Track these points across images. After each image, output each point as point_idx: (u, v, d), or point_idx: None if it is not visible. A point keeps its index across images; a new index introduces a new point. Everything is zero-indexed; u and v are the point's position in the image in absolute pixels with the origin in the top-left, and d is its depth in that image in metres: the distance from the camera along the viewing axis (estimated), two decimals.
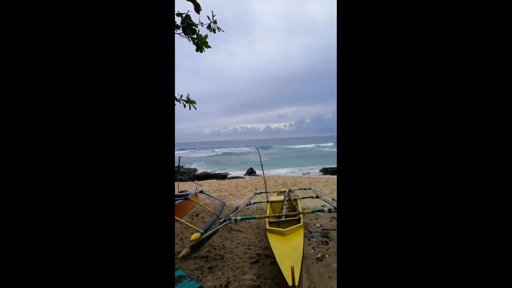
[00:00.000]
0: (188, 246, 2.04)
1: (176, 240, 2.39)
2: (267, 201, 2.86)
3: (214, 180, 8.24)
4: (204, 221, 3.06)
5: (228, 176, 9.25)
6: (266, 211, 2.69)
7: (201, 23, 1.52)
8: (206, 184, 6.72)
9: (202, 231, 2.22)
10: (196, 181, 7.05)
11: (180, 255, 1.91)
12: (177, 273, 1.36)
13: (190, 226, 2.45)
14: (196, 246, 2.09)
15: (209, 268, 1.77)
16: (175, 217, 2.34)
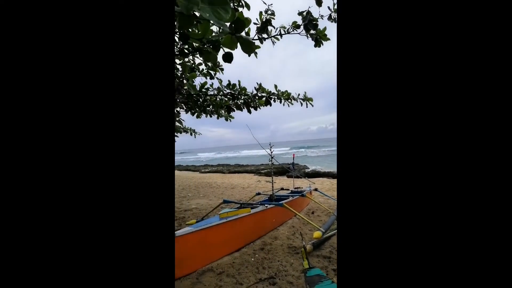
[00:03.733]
0: (310, 243, 2.06)
1: (297, 234, 2.48)
2: None
3: (325, 179, 7.98)
4: (321, 220, 3.01)
5: None
6: None
7: (321, 16, 1.48)
8: (318, 182, 6.62)
9: (323, 230, 2.18)
10: (307, 178, 7.10)
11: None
12: (315, 272, 1.37)
13: (309, 223, 2.47)
14: (318, 244, 2.08)
15: (334, 270, 1.70)
16: (295, 211, 2.44)
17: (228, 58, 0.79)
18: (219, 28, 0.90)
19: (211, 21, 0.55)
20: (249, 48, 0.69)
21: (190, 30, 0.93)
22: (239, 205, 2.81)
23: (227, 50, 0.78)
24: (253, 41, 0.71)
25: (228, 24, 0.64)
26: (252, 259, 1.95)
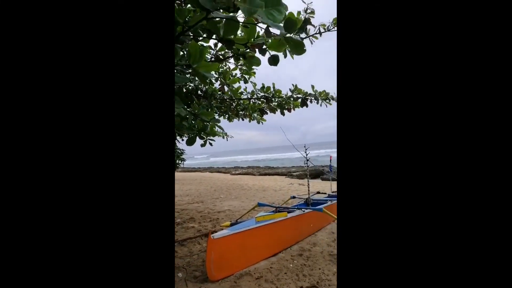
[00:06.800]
0: None
1: None
2: None
3: None
4: None
5: None
6: None
7: None
8: None
9: None
10: None
11: None
12: None
13: None
14: None
15: None
16: (335, 216, 2.32)
17: (274, 61, 0.76)
18: (261, 30, 0.88)
19: (266, 23, 0.53)
20: (299, 49, 0.66)
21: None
22: (274, 208, 2.77)
23: (273, 53, 0.75)
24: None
25: (282, 25, 0.62)
26: (291, 265, 1.90)
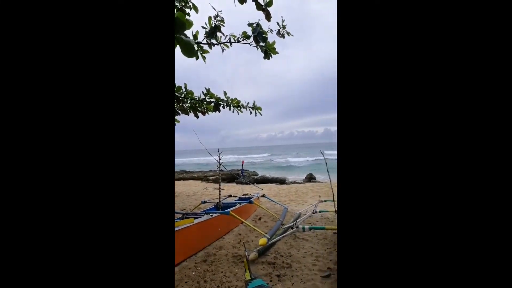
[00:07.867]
0: (255, 250, 2.07)
1: (242, 242, 2.46)
2: (336, 211, 2.67)
3: (273, 185, 8.30)
4: (267, 226, 3.07)
5: (287, 181, 9.17)
6: (335, 222, 2.50)
7: (271, 30, 1.53)
8: (266, 188, 6.82)
9: (269, 236, 2.22)
10: (255, 185, 7.23)
11: (249, 258, 1.95)
12: (257, 283, 1.35)
13: (255, 230, 2.49)
14: (263, 251, 2.10)
15: (278, 276, 1.74)
16: (241, 219, 2.42)
17: None
18: None
19: None
20: (190, 51, 0.65)
21: None
22: (181, 215, 2.63)
23: None
24: (202, 44, 0.67)
25: None
26: (193, 273, 1.83)
